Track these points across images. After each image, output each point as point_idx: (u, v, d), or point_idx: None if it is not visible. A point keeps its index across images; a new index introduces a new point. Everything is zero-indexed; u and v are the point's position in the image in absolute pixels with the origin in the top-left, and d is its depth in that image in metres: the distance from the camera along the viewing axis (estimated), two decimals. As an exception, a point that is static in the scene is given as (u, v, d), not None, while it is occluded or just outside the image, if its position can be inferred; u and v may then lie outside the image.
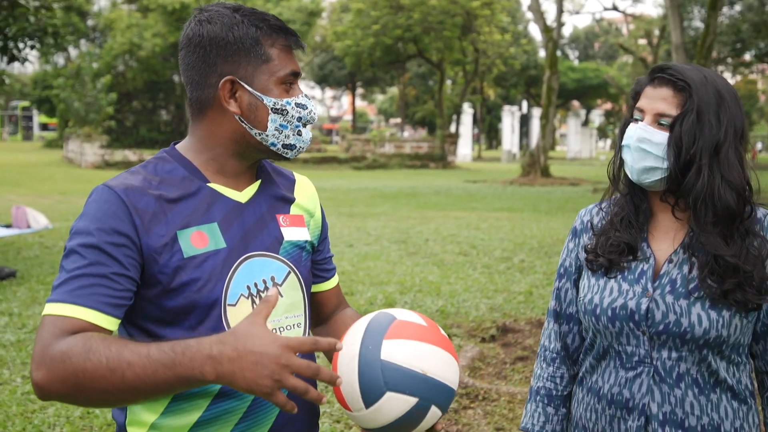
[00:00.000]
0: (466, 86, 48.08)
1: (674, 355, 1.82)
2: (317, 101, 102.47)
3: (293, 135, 1.68)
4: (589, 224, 2.03)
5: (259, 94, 1.63)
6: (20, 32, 11.13)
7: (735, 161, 1.80)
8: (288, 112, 1.65)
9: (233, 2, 1.69)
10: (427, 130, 68.81)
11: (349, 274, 9.31)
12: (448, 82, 53.28)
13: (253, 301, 1.65)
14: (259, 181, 1.76)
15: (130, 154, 36.65)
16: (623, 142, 1.88)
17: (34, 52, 15.67)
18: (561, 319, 2.07)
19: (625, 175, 1.93)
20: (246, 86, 1.62)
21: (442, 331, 1.64)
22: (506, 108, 55.56)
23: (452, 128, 49.06)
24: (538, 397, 2.08)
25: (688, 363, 1.82)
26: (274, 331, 1.64)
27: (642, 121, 1.85)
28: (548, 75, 30.36)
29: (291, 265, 1.73)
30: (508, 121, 54.43)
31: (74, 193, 21.42)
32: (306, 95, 1.70)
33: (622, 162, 1.92)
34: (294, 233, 1.76)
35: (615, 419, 1.89)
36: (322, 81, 67.16)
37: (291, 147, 1.69)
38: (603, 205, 2.04)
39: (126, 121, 52.40)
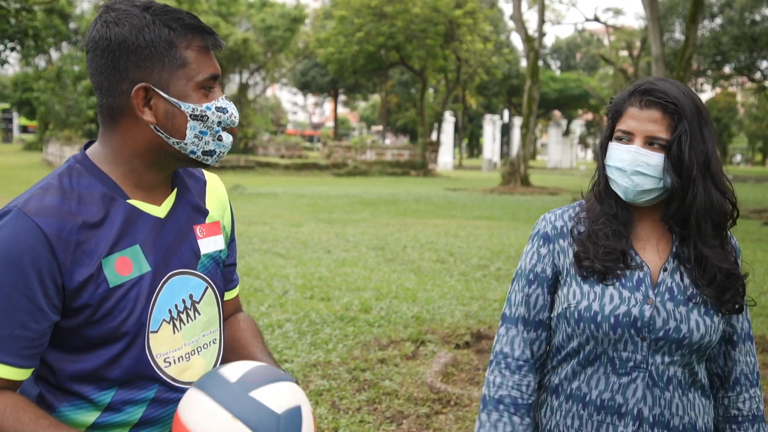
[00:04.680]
0: (447, 94, 48.23)
1: (667, 359, 1.89)
2: (300, 107, 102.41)
3: (213, 141, 1.57)
4: (563, 230, 2.00)
5: (176, 100, 1.51)
6: (0, 34, 11.09)
7: (720, 170, 1.89)
8: (208, 118, 1.54)
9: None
10: (408, 137, 68.94)
11: (326, 279, 9.34)
12: (430, 90, 53.39)
13: (174, 326, 1.58)
14: (175, 191, 1.66)
15: (110, 158, 36.45)
16: (616, 165, 1.89)
17: (15, 54, 15.59)
18: (529, 326, 2.00)
19: (611, 192, 1.95)
20: (161, 93, 1.50)
21: None
22: (487, 117, 55.84)
23: (434, 136, 49.20)
24: (501, 407, 1.97)
25: (676, 366, 1.90)
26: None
27: (631, 143, 1.87)
28: (529, 84, 30.53)
29: (208, 280, 1.67)
30: (489, 130, 54.66)
31: (53, 196, 21.29)
32: (226, 97, 1.59)
33: (606, 179, 1.94)
34: (210, 244, 1.69)
35: (604, 425, 1.91)
36: (305, 87, 67.16)
37: (211, 153, 1.58)
38: (575, 212, 2.03)
39: (106, 125, 52.07)
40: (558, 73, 73.22)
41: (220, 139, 1.58)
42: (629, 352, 1.88)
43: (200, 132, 1.54)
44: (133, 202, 1.55)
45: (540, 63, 38.27)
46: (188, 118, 1.52)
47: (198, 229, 1.66)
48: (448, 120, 52.47)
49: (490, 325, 7.25)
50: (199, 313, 1.63)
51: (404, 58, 43.47)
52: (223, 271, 1.77)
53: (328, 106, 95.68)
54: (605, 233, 1.92)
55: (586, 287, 1.92)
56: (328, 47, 43.95)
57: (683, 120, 1.83)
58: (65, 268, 1.43)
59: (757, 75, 50.42)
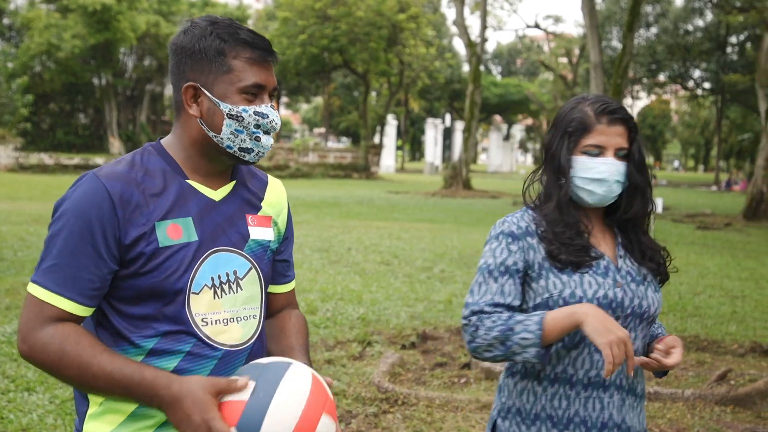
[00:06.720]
0: (390, 98, 48.43)
1: (633, 334, 2.17)
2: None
3: (250, 140, 1.78)
4: (528, 229, 2.17)
5: (216, 100, 1.75)
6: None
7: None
8: (244, 119, 1.75)
9: (221, 16, 1.80)
10: (351, 140, 68.99)
11: (271, 281, 9.31)
12: (373, 94, 53.55)
13: (215, 292, 1.79)
14: (233, 183, 1.90)
15: (46, 158, 35.68)
16: (594, 176, 2.12)
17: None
18: (501, 308, 2.10)
19: (568, 198, 2.17)
20: (206, 92, 1.76)
21: None
22: (429, 121, 56.32)
23: (376, 139, 49.34)
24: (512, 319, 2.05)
25: (638, 340, 2.19)
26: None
27: (600, 155, 2.13)
28: (471, 89, 30.89)
29: (253, 261, 1.87)
30: (432, 134, 55.13)
31: (-13, 196, 20.72)
32: (271, 106, 1.80)
33: (564, 188, 2.16)
34: (259, 233, 1.90)
35: (590, 399, 2.12)
36: (247, 88, 66.53)
37: (248, 150, 1.79)
38: (531, 216, 2.20)
39: (42, 124, 50.89)
40: (499, 78, 74.07)
41: (257, 139, 1.79)
42: None
43: (236, 130, 1.76)
44: (191, 182, 1.81)
45: (482, 68, 38.70)
46: (225, 116, 1.75)
47: (250, 218, 1.89)
48: (391, 123, 52.72)
49: (435, 326, 7.34)
50: (242, 288, 1.84)
51: (347, 61, 43.52)
52: (276, 265, 2.00)
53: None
54: (569, 235, 2.15)
55: (564, 277, 2.13)
56: (271, 48, 43.69)
57: (638, 133, 2.17)
58: (123, 224, 1.69)
59: (690, 83, 51.79)
